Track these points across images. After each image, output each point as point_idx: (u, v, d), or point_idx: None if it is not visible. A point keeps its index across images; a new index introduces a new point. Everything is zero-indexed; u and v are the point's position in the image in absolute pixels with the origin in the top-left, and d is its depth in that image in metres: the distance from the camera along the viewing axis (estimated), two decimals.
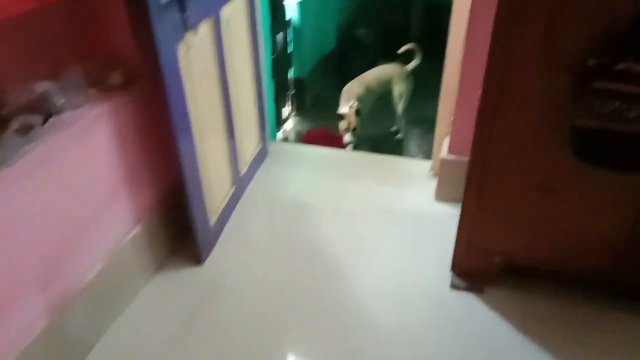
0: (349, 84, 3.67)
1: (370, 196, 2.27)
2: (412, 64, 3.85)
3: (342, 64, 5.05)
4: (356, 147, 3.52)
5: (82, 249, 1.53)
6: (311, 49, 4.46)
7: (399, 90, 3.74)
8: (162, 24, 1.43)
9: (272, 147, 2.68)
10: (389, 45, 5.35)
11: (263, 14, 2.62)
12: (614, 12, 1.15)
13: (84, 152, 1.47)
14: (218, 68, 1.85)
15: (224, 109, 1.95)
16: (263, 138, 2.50)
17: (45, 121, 1.42)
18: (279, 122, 4.16)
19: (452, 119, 2.01)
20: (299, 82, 4.39)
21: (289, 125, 4.40)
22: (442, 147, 2.17)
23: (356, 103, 3.42)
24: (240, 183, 2.24)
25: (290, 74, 4.28)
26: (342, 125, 3.47)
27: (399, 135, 3.89)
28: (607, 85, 1.16)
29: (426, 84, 4.68)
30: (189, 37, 1.59)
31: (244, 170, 2.26)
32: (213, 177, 1.92)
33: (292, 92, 4.38)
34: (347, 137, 3.48)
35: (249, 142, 2.32)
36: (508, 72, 1.32)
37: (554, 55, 1.24)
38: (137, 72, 1.60)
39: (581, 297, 1.67)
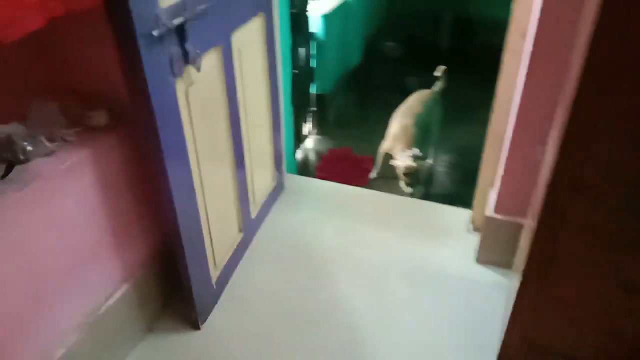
0: (398, 121, 3.11)
1: (399, 250, 1.96)
2: (439, 87, 3.50)
3: (367, 79, 4.75)
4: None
5: (57, 317, 1.25)
6: (335, 64, 4.17)
7: (438, 117, 3.39)
8: (156, 59, 1.15)
9: (290, 181, 2.38)
10: (417, 60, 5.05)
11: (283, 30, 2.34)
12: None
13: (56, 209, 1.19)
14: (227, 103, 1.57)
15: (233, 148, 1.66)
16: (279, 173, 2.21)
17: (6, 173, 1.15)
18: (299, 140, 3.88)
19: (501, 173, 1.69)
20: (321, 99, 4.11)
21: (309, 143, 4.12)
22: (488, 202, 1.85)
23: (417, 151, 2.96)
24: (250, 228, 1.95)
25: (312, 90, 4.00)
26: (407, 180, 3.00)
27: (427, 161, 3.55)
28: None
29: (454, 106, 4.36)
30: (191, 72, 1.31)
31: (254, 213, 1.97)
32: (218, 226, 1.64)
33: (314, 109, 4.10)
34: (408, 190, 3.07)
35: (262, 180, 2.03)
36: (592, 144, 1.00)
37: None
38: (126, 111, 1.33)
39: None
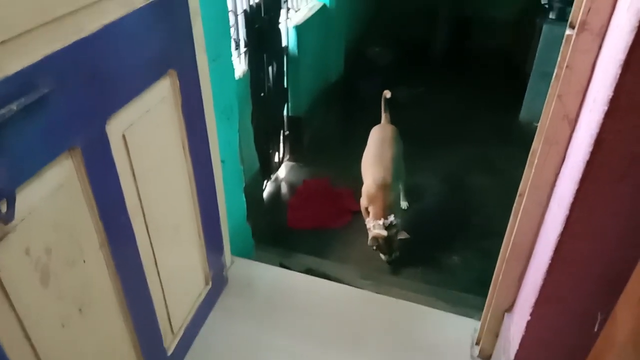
0: (372, 176, 2.54)
1: None
2: (388, 116, 2.96)
3: (350, 93, 4.15)
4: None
5: None
6: (312, 80, 3.58)
7: (401, 153, 2.81)
8: None
9: (237, 267, 1.81)
10: (407, 66, 4.45)
11: (225, 71, 1.76)
12: None
13: None
14: (101, 227, 0.98)
15: (122, 286, 1.09)
16: (218, 267, 1.64)
17: None
18: (268, 171, 3.31)
19: (527, 315, 1.13)
20: (295, 121, 3.53)
21: (281, 172, 3.55)
22: (503, 333, 1.30)
23: (393, 218, 2.44)
24: None
25: (285, 111, 3.42)
26: (382, 251, 2.52)
27: (402, 205, 2.96)
28: None
29: (442, 121, 3.80)
30: None
31: (172, 346, 1.39)
32: None
33: (287, 133, 3.52)
34: (383, 257, 2.58)
35: (186, 295, 1.46)
36: None
37: None
38: None
39: None
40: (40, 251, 0.83)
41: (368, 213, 2.57)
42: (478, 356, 1.48)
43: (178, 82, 1.17)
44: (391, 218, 2.42)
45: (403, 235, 2.44)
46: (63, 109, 0.83)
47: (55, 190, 0.85)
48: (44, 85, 0.78)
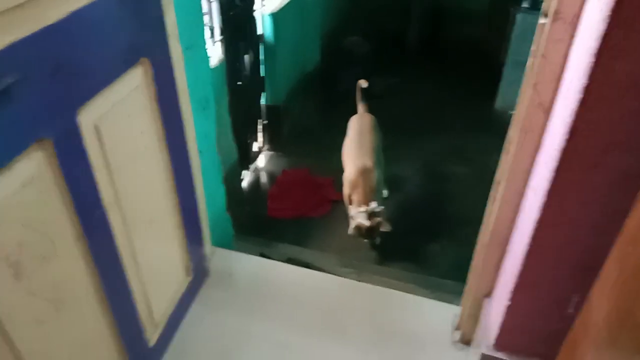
0: (354, 162, 2.54)
1: None
2: (364, 106, 2.97)
3: (327, 82, 4.13)
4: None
5: None
6: (289, 68, 3.55)
7: (380, 143, 2.83)
8: None
9: (218, 259, 1.79)
10: (384, 56, 4.44)
11: (199, 60, 1.72)
12: None
13: None
14: (77, 222, 0.96)
15: (98, 279, 1.07)
16: (198, 260, 1.62)
17: None
18: (247, 160, 3.29)
19: (506, 300, 1.15)
20: (273, 110, 3.50)
21: (260, 162, 3.53)
22: (483, 319, 1.33)
23: (376, 205, 2.42)
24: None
25: (263, 100, 3.38)
26: (364, 238, 2.50)
27: (383, 193, 2.98)
28: None
29: (419, 109, 3.82)
30: None
31: (154, 338, 1.37)
32: None
33: (265, 123, 3.49)
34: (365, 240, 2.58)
35: (166, 287, 1.44)
36: None
37: None
38: None
39: None
40: (12, 246, 0.81)
41: (351, 201, 2.56)
42: (459, 341, 1.51)
43: (151, 71, 1.15)
44: (373, 205, 2.41)
45: (385, 228, 2.44)
46: (29, 99, 0.80)
47: (26, 183, 0.82)
48: (7, 76, 0.75)
